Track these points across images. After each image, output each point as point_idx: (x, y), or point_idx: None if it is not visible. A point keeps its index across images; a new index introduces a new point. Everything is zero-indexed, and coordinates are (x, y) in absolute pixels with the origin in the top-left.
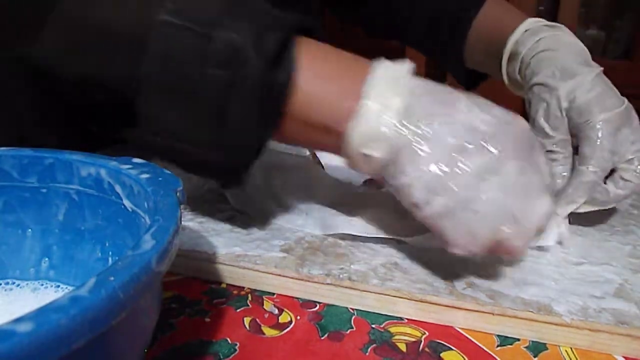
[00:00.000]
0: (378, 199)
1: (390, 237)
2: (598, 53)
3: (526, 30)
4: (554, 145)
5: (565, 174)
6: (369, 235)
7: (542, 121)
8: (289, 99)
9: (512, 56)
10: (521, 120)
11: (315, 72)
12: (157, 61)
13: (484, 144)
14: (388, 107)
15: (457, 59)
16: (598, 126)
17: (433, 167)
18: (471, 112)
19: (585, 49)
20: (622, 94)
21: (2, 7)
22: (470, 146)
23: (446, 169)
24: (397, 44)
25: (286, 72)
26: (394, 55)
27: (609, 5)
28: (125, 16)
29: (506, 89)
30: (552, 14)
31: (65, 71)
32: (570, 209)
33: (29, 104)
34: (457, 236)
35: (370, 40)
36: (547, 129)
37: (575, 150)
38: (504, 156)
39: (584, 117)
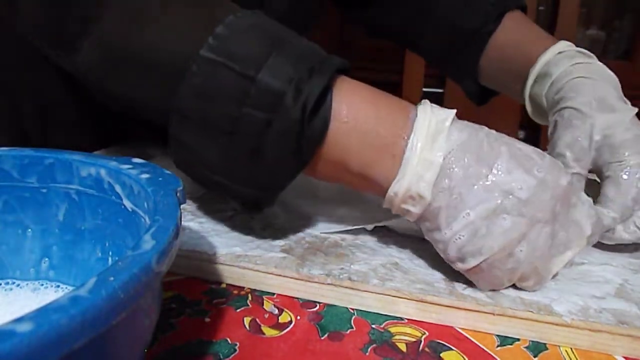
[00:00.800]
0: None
1: (391, 225)
2: (598, 53)
3: (559, 53)
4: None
5: None
6: (369, 227)
7: (565, 149)
8: (325, 145)
9: (540, 77)
10: (562, 178)
11: (352, 124)
12: (193, 95)
13: (519, 210)
14: (428, 168)
15: (471, 74)
16: (630, 169)
17: (467, 230)
18: (510, 175)
19: (619, 84)
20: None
21: (51, 7)
22: (505, 212)
23: (479, 234)
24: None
25: (321, 124)
26: (392, 55)
27: (609, 5)
28: (166, 46)
29: (501, 105)
30: (552, 14)
31: (102, 86)
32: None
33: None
34: (485, 285)
35: (370, 40)
36: (569, 158)
37: None
38: (537, 222)
39: (617, 157)
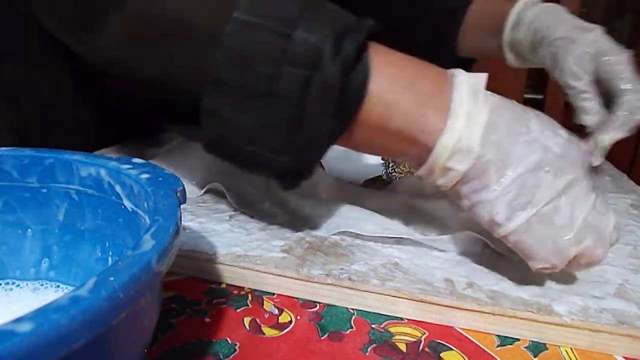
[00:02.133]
0: (378, 198)
1: (391, 236)
2: None
3: (524, 3)
4: (586, 86)
5: (598, 109)
6: (369, 235)
7: (574, 67)
8: (363, 104)
9: (516, 25)
10: (582, 144)
11: (393, 79)
12: (229, 59)
13: (558, 164)
14: (474, 123)
15: (453, 50)
16: (627, 64)
17: (516, 184)
18: (543, 133)
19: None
20: None
21: None
22: (546, 165)
23: (528, 186)
24: None
25: (361, 77)
26: None
27: (609, 5)
28: (196, 12)
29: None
30: None
31: (129, 68)
32: (623, 132)
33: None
34: (541, 250)
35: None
36: (580, 73)
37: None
38: (575, 175)
39: (612, 58)
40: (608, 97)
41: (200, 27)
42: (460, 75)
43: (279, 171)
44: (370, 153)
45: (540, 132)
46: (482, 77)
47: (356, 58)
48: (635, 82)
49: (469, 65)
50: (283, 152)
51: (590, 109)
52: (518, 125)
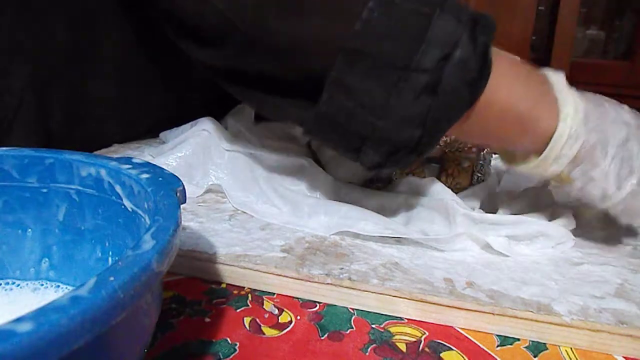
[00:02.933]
0: (378, 198)
1: (391, 236)
2: (598, 53)
3: None
4: None
5: None
6: (369, 234)
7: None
8: (489, 87)
9: None
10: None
11: (511, 70)
12: (370, 32)
13: (637, 135)
14: (577, 112)
15: None
16: None
17: (617, 159)
18: (617, 112)
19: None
20: (622, 94)
21: None
22: (631, 137)
23: (625, 158)
24: None
25: (489, 62)
26: None
27: (609, 5)
28: None
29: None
30: (552, 14)
31: (265, 26)
32: None
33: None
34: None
35: None
36: None
37: None
38: None
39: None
40: None
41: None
42: (550, 72)
43: (395, 146)
44: (483, 142)
45: (615, 111)
46: (562, 74)
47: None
48: None
49: None
50: (411, 124)
51: None
52: (600, 109)
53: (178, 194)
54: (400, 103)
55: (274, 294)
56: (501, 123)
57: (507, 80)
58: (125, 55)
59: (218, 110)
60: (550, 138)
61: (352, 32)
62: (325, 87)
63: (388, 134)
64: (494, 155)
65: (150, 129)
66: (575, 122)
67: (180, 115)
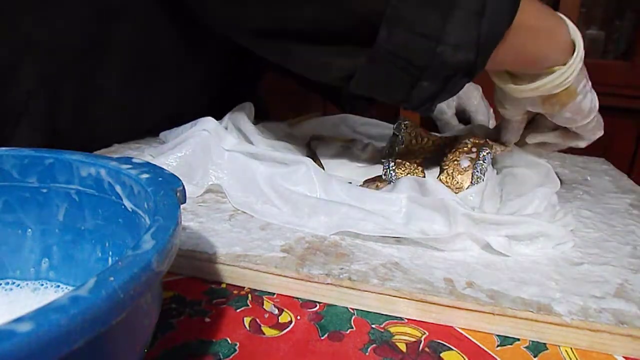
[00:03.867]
0: (378, 198)
1: (391, 236)
2: (598, 53)
3: None
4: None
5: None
6: (369, 234)
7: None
8: (524, 6)
9: None
10: None
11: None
12: None
13: None
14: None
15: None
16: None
17: None
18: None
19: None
20: (622, 94)
21: None
22: None
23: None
24: None
25: None
26: None
27: (609, 5)
28: None
29: None
30: None
31: None
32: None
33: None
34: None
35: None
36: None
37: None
38: None
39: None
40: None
41: None
42: (563, 18)
43: (453, 69)
44: (516, 63)
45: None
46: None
47: None
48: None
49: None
50: (466, 46)
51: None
52: None
53: (178, 194)
54: (456, 27)
55: (274, 294)
56: (534, 39)
57: (531, 2)
58: (134, 52)
59: (218, 110)
60: (573, 47)
61: None
62: (382, 25)
63: (447, 58)
64: (493, 155)
65: (151, 128)
66: (579, 36)
67: (180, 115)
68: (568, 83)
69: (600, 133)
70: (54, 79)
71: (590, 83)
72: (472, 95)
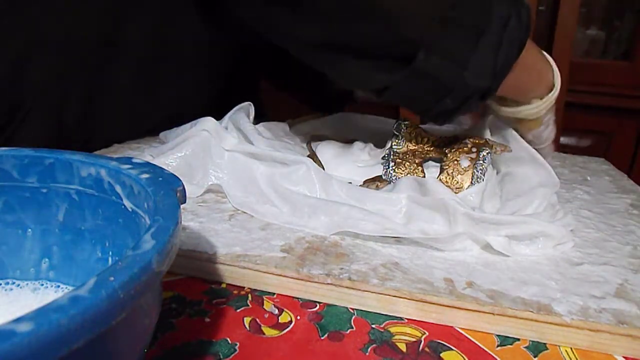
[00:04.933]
0: (378, 198)
1: (391, 236)
2: (598, 53)
3: None
4: None
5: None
6: (369, 234)
7: None
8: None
9: None
10: None
11: (530, 41)
12: (459, 6)
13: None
14: (556, 71)
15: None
16: None
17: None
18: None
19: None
20: (622, 94)
21: None
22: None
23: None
24: None
25: (528, 33)
26: None
27: (609, 5)
28: None
29: None
30: (552, 14)
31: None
32: None
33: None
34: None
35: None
36: None
37: None
38: None
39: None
40: None
41: None
42: (550, 60)
43: (473, 92)
44: (511, 91)
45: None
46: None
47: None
48: None
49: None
50: (486, 73)
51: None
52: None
53: (178, 194)
54: (479, 57)
55: (274, 294)
56: (528, 76)
57: (530, 45)
58: (143, 51)
59: (218, 110)
60: (552, 87)
61: (448, 3)
62: (423, 49)
63: (470, 82)
64: (493, 155)
65: (151, 129)
66: (558, 79)
67: (180, 115)
68: (540, 114)
69: (547, 158)
70: (64, 74)
71: (554, 117)
72: None
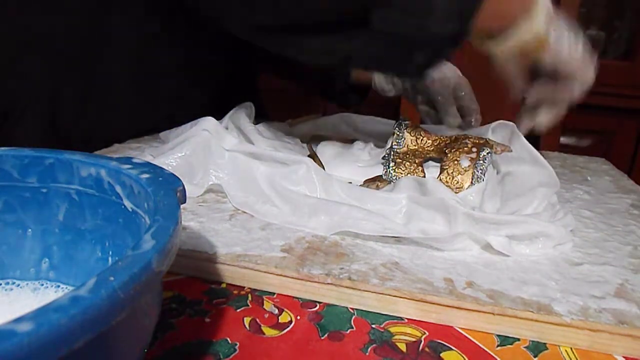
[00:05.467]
0: (378, 198)
1: (391, 235)
2: (598, 53)
3: None
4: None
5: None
6: (369, 234)
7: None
8: None
9: None
10: None
11: None
12: None
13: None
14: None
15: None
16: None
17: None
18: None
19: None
20: (622, 94)
21: None
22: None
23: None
24: None
25: None
26: None
27: (609, 5)
28: None
29: None
30: None
31: None
32: None
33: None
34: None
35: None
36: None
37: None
38: None
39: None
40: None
41: None
42: None
43: (441, 40)
44: (498, 22)
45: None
46: None
47: None
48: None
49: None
50: (450, 18)
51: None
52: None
53: (178, 194)
54: (440, 2)
55: (274, 293)
56: (507, 4)
57: None
58: (134, 48)
59: (218, 110)
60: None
61: None
62: (376, 10)
63: (436, 29)
64: (494, 154)
65: (151, 128)
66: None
67: (180, 115)
68: (539, 29)
69: (591, 73)
70: (56, 73)
71: (566, 22)
72: (464, 90)
